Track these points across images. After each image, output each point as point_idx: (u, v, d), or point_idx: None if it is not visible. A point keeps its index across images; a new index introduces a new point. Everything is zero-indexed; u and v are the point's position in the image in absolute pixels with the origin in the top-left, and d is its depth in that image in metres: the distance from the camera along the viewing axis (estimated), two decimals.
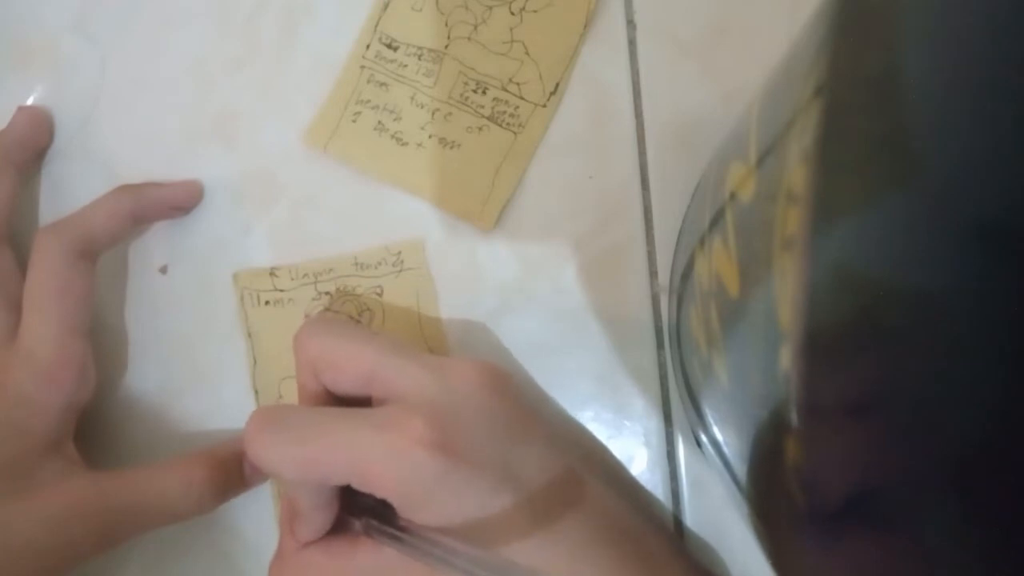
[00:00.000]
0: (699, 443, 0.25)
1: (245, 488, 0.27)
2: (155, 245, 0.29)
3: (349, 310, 0.27)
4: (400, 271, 0.27)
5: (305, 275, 0.27)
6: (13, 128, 0.28)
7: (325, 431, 0.21)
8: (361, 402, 0.23)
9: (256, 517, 0.28)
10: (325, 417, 0.22)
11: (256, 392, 0.28)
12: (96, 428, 0.28)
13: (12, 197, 0.28)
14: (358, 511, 0.22)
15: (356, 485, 0.21)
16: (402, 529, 0.21)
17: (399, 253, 0.27)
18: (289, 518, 0.23)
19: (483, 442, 0.21)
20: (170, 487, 0.25)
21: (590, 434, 0.27)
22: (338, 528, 0.23)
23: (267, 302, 0.27)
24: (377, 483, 0.21)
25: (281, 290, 0.28)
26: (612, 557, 0.22)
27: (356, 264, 0.27)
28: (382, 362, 0.22)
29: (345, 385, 0.23)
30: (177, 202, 0.28)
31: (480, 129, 0.27)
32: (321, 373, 0.23)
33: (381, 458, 0.20)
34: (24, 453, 0.24)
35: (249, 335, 0.28)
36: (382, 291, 0.27)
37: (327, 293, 0.27)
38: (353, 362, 0.23)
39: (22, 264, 0.26)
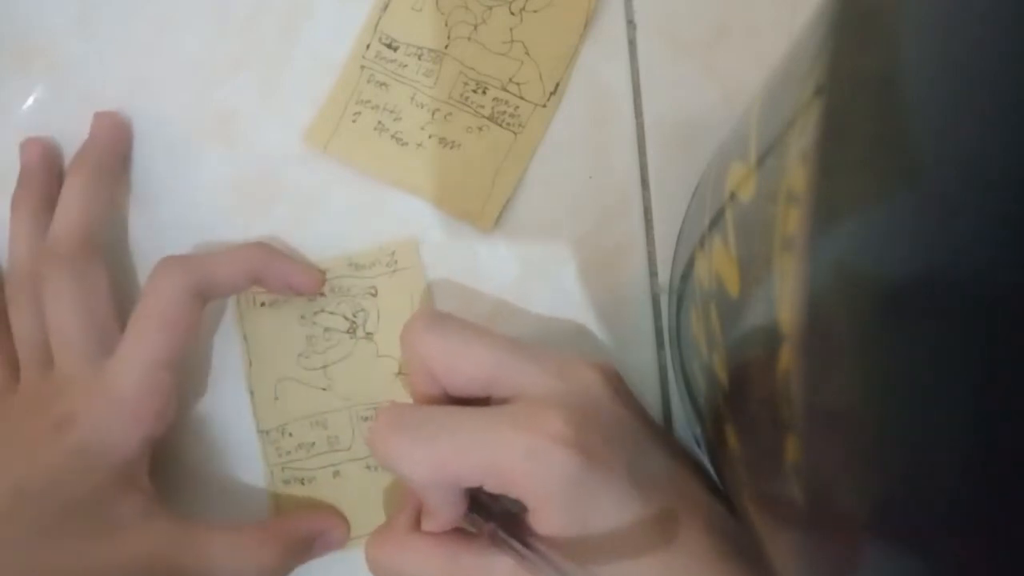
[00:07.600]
0: (699, 443, 0.25)
1: (307, 561, 0.26)
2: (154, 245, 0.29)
3: (344, 311, 0.27)
4: (394, 271, 0.27)
5: None
6: (97, 135, 0.28)
7: (458, 430, 0.20)
8: (477, 402, 0.22)
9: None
10: (457, 416, 0.21)
11: (251, 393, 0.27)
12: None
13: (110, 205, 0.27)
14: (486, 514, 0.22)
15: (491, 486, 0.20)
16: (527, 545, 0.20)
17: (393, 253, 0.27)
18: (411, 501, 0.23)
19: (613, 446, 0.21)
20: (242, 560, 0.24)
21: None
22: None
23: (263, 304, 0.27)
24: (515, 483, 0.20)
25: None
26: (731, 571, 0.21)
27: (351, 264, 0.27)
28: (504, 363, 0.22)
29: (465, 387, 0.22)
30: (298, 285, 0.27)
31: (480, 129, 0.27)
32: (438, 375, 0.22)
33: (521, 457, 0.20)
34: (99, 488, 0.23)
35: (244, 337, 0.28)
36: (376, 291, 0.27)
37: (321, 294, 0.27)
38: (474, 365, 0.22)
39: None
